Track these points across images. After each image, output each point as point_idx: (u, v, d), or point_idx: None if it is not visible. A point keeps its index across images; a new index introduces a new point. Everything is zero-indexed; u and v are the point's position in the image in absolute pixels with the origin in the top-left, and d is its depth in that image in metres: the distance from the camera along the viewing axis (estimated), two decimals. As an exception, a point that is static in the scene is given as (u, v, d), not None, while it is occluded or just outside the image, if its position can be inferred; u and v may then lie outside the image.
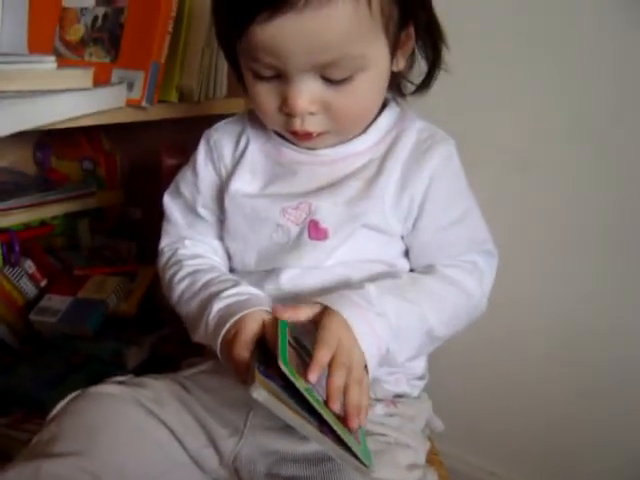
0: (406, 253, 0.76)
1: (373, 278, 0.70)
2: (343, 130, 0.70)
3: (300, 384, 0.53)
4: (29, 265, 1.17)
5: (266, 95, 0.67)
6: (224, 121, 0.81)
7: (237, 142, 0.78)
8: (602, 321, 1.07)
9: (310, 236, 0.70)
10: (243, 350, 0.60)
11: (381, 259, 0.73)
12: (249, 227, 0.73)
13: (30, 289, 1.16)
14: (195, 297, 0.72)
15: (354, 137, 0.73)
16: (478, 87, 1.01)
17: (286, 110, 0.66)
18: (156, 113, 0.97)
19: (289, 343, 0.57)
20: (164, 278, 0.79)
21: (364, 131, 0.73)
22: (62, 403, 0.67)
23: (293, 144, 0.74)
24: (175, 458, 0.67)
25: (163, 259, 0.81)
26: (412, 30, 0.68)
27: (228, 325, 0.63)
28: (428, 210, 0.72)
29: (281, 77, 0.64)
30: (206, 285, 0.72)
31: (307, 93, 0.64)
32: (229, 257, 0.78)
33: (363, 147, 0.73)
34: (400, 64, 0.70)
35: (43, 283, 1.19)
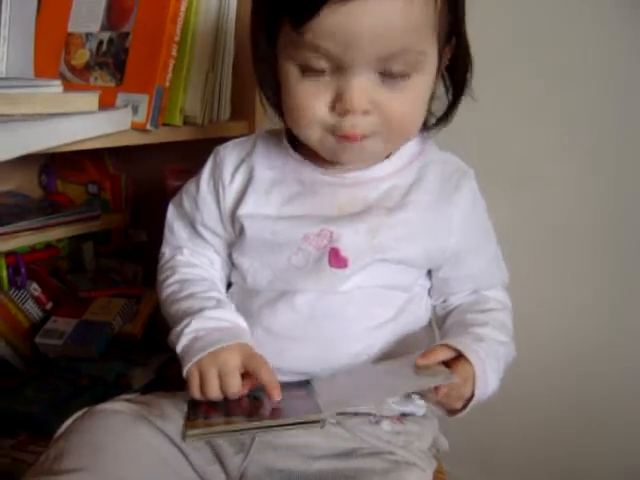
0: (420, 278, 0.77)
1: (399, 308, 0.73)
2: (390, 133, 0.66)
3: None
4: (34, 288, 1.18)
5: (313, 93, 0.63)
6: (235, 140, 0.81)
7: (239, 164, 0.77)
8: (601, 334, 1.08)
9: (330, 263, 0.69)
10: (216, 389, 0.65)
11: (398, 285, 0.73)
12: (268, 249, 0.72)
13: (36, 312, 1.17)
14: (177, 303, 0.74)
15: (376, 163, 0.72)
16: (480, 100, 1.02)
17: (340, 107, 0.63)
18: (160, 136, 0.98)
19: None
20: (158, 279, 0.82)
21: (387, 157, 0.73)
22: (68, 421, 0.68)
23: (314, 163, 0.73)
24: (181, 474, 0.66)
25: (161, 262, 0.83)
26: (450, 47, 0.68)
27: (206, 352, 0.67)
28: (465, 246, 0.74)
29: (334, 73, 0.62)
30: (190, 296, 0.74)
31: (365, 89, 0.62)
32: (242, 272, 0.76)
33: (385, 173, 0.72)
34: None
35: (48, 306, 1.20)
